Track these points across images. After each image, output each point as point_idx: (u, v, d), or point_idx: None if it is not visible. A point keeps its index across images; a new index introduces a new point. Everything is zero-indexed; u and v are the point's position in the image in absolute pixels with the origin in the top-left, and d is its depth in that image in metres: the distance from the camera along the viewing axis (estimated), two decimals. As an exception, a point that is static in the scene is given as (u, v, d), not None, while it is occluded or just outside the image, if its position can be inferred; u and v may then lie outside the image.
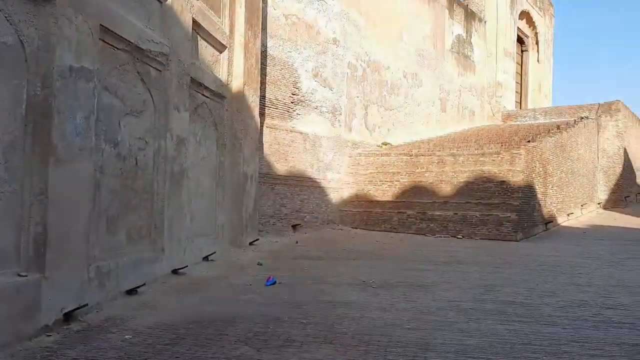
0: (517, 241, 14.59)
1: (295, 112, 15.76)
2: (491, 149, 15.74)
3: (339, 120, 17.62)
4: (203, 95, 10.32)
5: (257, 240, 12.44)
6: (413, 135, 21.65)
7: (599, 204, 24.58)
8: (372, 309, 6.90)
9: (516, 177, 14.93)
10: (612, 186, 25.19)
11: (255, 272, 9.55)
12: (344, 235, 15.53)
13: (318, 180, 16.49)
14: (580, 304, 7.27)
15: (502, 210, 14.89)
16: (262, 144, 14.24)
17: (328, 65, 17.12)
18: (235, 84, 11.80)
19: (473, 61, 27.01)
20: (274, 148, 14.81)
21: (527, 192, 15.40)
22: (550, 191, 17.64)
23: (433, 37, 23.48)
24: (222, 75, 11.41)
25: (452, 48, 25.08)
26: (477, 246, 13.69)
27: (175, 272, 8.77)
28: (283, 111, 15.35)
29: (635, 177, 29.15)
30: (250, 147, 12.31)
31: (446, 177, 15.90)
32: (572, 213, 19.99)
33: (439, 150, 16.51)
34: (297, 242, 13.47)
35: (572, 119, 23.51)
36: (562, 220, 18.88)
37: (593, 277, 9.29)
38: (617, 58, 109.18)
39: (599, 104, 25.84)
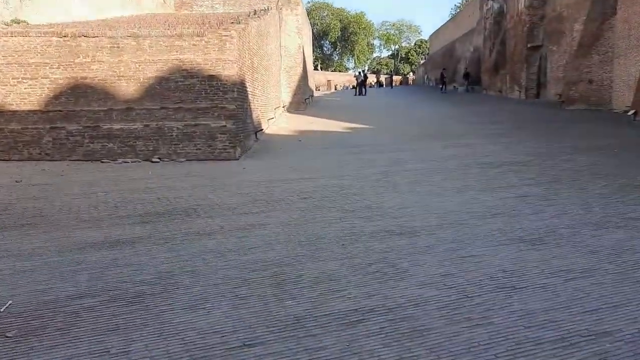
0: (237, 159, 10.62)
1: None
2: (190, 30, 10.91)
3: None
4: None
5: None
6: (63, 16, 14.86)
7: (283, 106, 22.69)
8: None
9: (229, 70, 10.62)
10: (294, 88, 23.56)
11: None
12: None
13: None
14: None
15: (214, 117, 10.52)
16: None
17: None
18: None
19: None
20: None
21: (242, 91, 11.33)
22: (257, 91, 14.07)
23: None
24: None
25: None
26: (188, 173, 9.14)
27: None
28: None
29: (308, 79, 28.54)
30: None
31: (127, 71, 10.47)
32: (273, 118, 17.16)
33: (112, 30, 10.81)
34: None
35: (253, 10, 20.22)
36: (265, 127, 15.78)
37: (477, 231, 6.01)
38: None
39: (279, -5, 23.33)
